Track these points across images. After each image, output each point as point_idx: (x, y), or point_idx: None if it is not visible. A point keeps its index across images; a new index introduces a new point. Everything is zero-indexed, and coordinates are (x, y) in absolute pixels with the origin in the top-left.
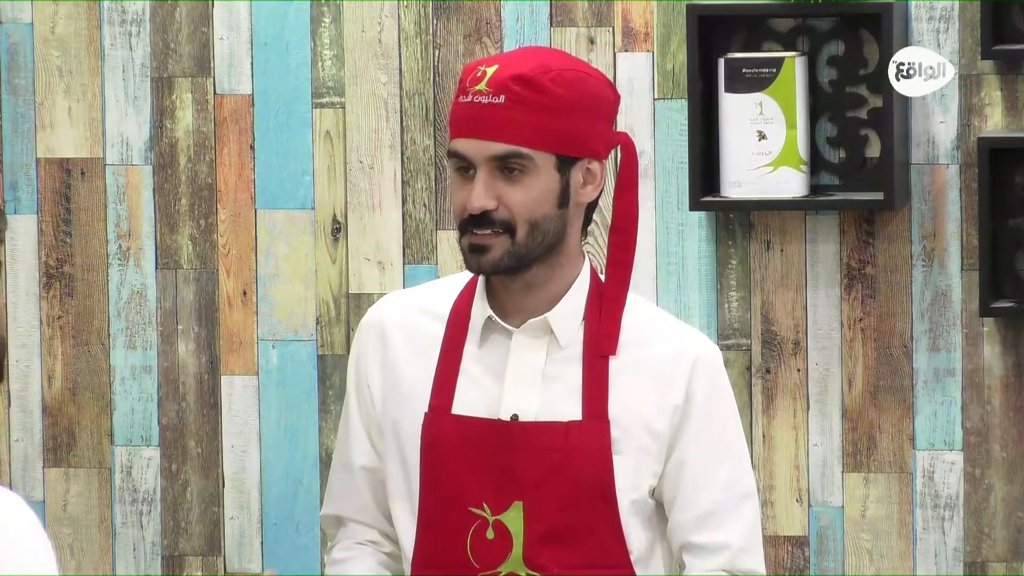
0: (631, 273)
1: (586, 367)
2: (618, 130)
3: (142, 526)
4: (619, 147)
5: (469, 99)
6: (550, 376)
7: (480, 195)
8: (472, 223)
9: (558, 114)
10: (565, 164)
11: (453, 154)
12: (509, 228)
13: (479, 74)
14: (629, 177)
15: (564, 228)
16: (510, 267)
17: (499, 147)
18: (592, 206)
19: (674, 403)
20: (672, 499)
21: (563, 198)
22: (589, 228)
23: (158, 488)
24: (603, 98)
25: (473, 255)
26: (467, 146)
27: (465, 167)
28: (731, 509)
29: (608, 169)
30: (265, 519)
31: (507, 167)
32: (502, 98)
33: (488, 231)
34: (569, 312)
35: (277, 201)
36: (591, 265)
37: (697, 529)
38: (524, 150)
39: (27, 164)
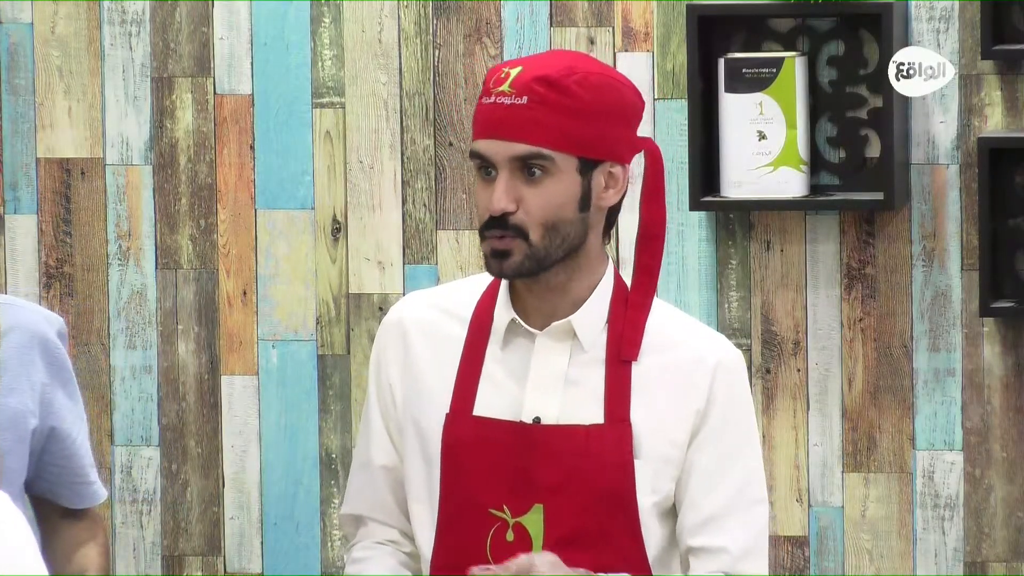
0: (657, 279)
1: (608, 371)
2: (646, 137)
3: (142, 526)
4: (644, 153)
5: (492, 100)
6: (572, 380)
7: (500, 197)
8: (490, 225)
9: (581, 116)
10: (587, 167)
11: (475, 155)
12: (522, 233)
13: (503, 75)
14: (655, 183)
15: (585, 232)
16: (531, 270)
17: (520, 148)
18: (615, 210)
19: (695, 408)
20: (680, 501)
21: (584, 202)
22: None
23: (158, 488)
24: (628, 103)
25: (494, 259)
26: (488, 147)
27: (487, 168)
28: (735, 515)
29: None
30: (265, 519)
31: (528, 168)
32: (525, 99)
33: (505, 235)
34: (592, 316)
35: (277, 201)
36: (614, 269)
37: (699, 532)
38: (545, 151)
39: (27, 164)
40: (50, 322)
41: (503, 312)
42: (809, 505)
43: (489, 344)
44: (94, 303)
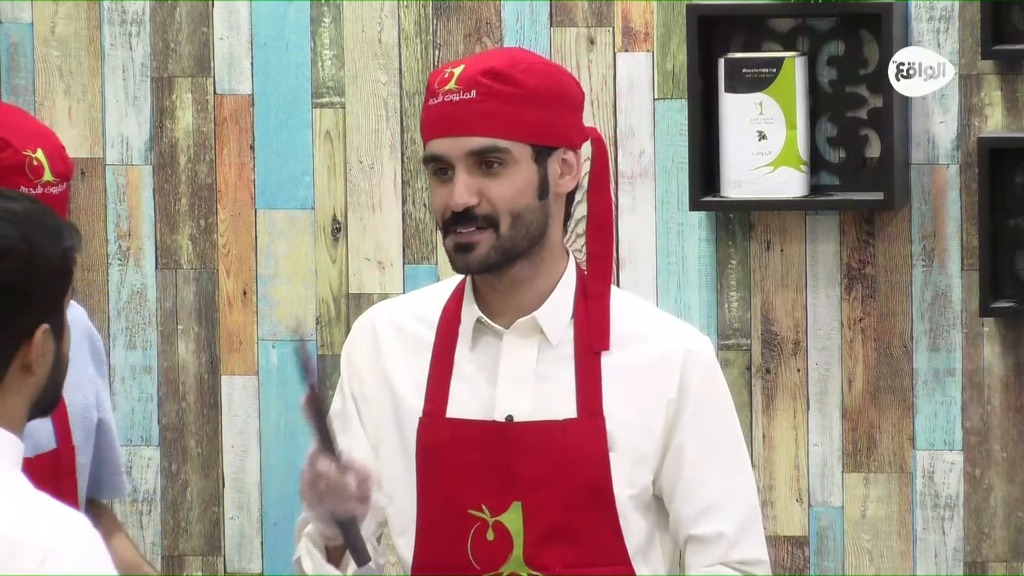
0: (612, 267)
1: (578, 365)
2: (590, 126)
3: (142, 526)
4: (591, 142)
5: (440, 100)
6: (543, 376)
7: (461, 192)
8: (455, 221)
9: (531, 104)
10: (542, 155)
11: (430, 158)
12: (492, 222)
13: (447, 75)
14: (601, 172)
15: (546, 221)
16: (497, 263)
17: (476, 141)
18: (571, 200)
19: (668, 397)
20: (671, 493)
21: (543, 189)
22: (574, 228)
23: (158, 488)
24: (572, 90)
25: (459, 254)
26: (443, 145)
27: (443, 169)
28: (727, 499)
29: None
30: (265, 519)
31: (485, 162)
32: (473, 93)
33: (472, 227)
34: (557, 310)
35: (277, 201)
36: (576, 263)
37: (696, 522)
38: (501, 143)
39: None
40: (87, 313)
41: (469, 311)
42: (809, 505)
43: (458, 345)
44: (94, 303)
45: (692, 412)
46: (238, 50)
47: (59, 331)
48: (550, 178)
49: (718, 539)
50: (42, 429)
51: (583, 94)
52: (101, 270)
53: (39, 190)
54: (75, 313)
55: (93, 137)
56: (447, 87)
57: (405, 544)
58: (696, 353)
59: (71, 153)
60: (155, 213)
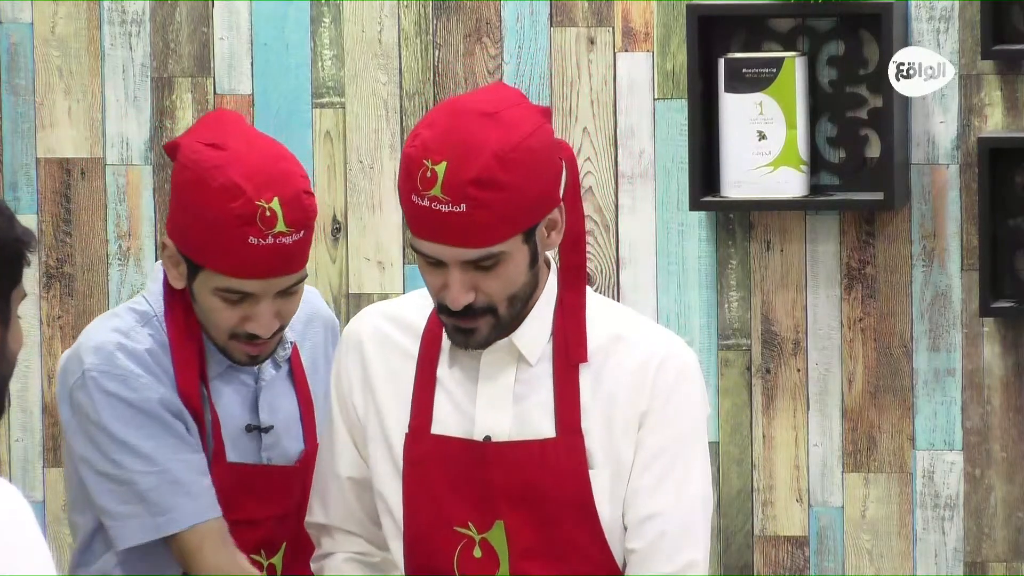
0: (585, 277)
1: (557, 382)
2: (559, 139)
3: None
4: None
5: (427, 204)
6: (521, 395)
7: (459, 294)
8: (452, 312)
9: (518, 198)
10: (531, 232)
11: (422, 253)
12: (491, 309)
13: (429, 174)
14: (572, 184)
15: (536, 280)
16: (498, 338)
17: (471, 252)
18: None
19: (641, 409)
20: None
21: (533, 260)
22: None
23: None
24: (547, 148)
25: (459, 335)
26: (437, 250)
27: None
28: (670, 508)
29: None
30: None
31: (481, 264)
32: (463, 206)
33: (470, 316)
34: (535, 330)
35: None
36: (556, 270)
37: (635, 534)
38: (495, 249)
39: (27, 164)
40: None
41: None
42: (809, 505)
43: (440, 360)
44: (94, 303)
45: (652, 424)
46: (238, 50)
47: (4, 321)
48: (539, 244)
49: (654, 550)
50: (294, 441)
51: (550, 122)
52: (101, 270)
53: (269, 240)
54: (317, 303)
55: (93, 137)
56: (433, 192)
57: (396, 551)
58: (669, 359)
59: (70, 153)
60: (155, 213)
